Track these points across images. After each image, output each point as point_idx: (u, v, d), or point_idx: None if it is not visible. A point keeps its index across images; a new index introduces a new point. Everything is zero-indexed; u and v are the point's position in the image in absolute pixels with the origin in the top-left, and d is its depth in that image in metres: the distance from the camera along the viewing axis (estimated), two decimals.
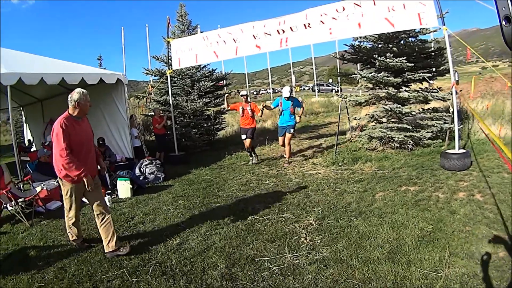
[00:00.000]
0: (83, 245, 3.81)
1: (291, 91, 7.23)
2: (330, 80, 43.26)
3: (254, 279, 2.89)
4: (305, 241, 3.50)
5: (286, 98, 7.18)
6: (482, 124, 6.18)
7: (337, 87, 29.51)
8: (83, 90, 3.59)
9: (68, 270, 3.32)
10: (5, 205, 5.07)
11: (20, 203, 5.04)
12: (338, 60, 8.37)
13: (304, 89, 53.20)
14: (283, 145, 7.50)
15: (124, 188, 5.80)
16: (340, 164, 6.76)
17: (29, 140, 12.68)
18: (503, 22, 1.03)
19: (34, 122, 12.49)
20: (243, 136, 7.61)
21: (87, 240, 3.94)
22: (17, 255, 3.80)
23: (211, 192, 5.69)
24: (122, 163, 7.39)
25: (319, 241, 3.46)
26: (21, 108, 13.47)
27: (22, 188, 5.99)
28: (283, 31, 6.69)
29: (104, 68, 18.04)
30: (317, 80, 41.78)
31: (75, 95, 3.50)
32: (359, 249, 3.22)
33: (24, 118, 13.60)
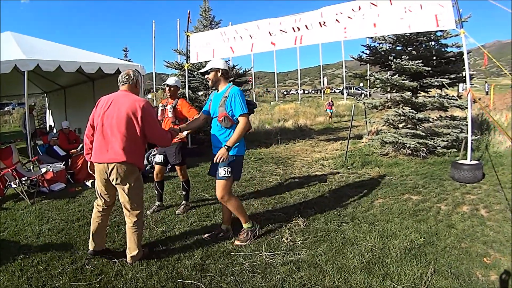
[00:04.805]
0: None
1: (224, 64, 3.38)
2: (361, 84, 42.44)
3: (224, 272, 2.86)
4: (286, 241, 3.40)
5: (216, 89, 3.42)
6: (505, 134, 5.76)
7: (367, 91, 28.91)
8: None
9: (54, 244, 3.50)
10: (9, 183, 5.28)
11: (24, 182, 5.26)
12: (359, 62, 8.03)
13: (334, 91, 53.12)
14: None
15: None
16: (348, 167, 6.58)
17: (50, 126, 13.27)
18: None
19: (56, 108, 13.14)
20: (158, 158, 4.46)
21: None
22: (13, 229, 3.99)
23: (212, 185, 5.66)
24: None
25: (300, 243, 3.36)
26: (45, 94, 14.20)
27: (32, 169, 6.25)
28: (298, 29, 6.60)
29: (129, 60, 18.58)
30: (347, 84, 41.09)
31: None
32: (338, 255, 3.08)
33: (47, 104, 14.34)
